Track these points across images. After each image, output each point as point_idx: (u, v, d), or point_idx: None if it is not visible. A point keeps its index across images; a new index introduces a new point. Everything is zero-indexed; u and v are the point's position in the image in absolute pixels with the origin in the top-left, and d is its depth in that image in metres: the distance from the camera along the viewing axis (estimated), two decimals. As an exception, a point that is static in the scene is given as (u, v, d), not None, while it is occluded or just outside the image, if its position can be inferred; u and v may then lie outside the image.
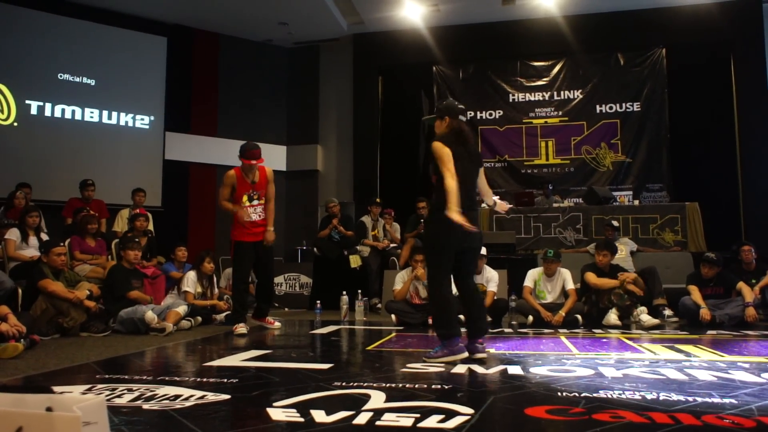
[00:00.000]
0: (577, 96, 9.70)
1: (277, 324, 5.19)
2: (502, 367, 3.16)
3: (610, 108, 9.57)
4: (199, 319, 5.54)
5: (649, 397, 2.38)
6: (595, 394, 2.44)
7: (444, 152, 3.37)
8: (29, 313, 4.53)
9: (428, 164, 9.88)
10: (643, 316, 5.38)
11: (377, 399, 2.36)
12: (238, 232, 5.04)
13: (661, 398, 2.36)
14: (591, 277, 5.69)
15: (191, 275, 5.82)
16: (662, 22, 9.18)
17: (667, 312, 5.73)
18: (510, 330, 5.19)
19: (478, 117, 9.87)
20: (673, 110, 9.30)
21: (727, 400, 2.32)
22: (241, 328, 4.87)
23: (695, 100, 9.05)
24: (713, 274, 5.62)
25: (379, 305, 6.86)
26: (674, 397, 2.38)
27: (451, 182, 3.26)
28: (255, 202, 5.04)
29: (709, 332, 4.93)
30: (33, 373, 3.08)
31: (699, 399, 2.34)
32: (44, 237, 5.88)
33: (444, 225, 3.27)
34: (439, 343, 3.43)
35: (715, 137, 9.16)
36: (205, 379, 2.83)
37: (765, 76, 8.86)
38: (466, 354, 3.37)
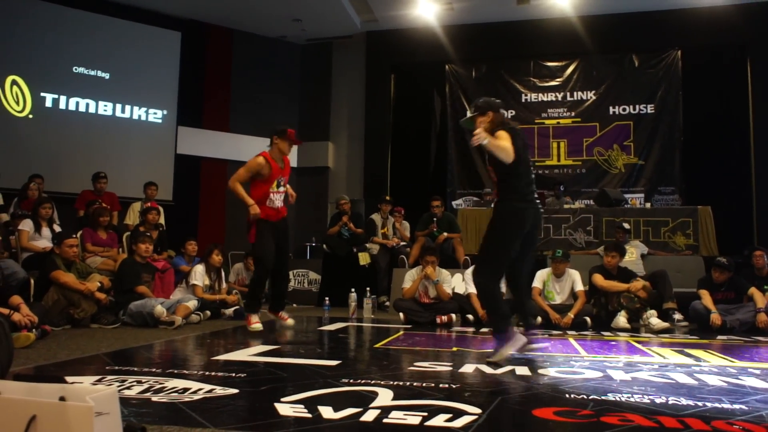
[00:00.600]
0: (591, 97, 9.63)
1: (291, 321, 5.17)
2: (510, 367, 3.16)
3: (624, 110, 9.49)
4: (208, 313, 5.56)
5: (658, 401, 2.37)
6: (603, 397, 2.43)
7: (508, 140, 3.30)
8: (41, 303, 4.58)
9: (446, 163, 9.89)
10: (653, 319, 5.35)
11: (385, 396, 2.36)
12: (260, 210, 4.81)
13: (670, 402, 2.35)
14: (598, 278, 5.66)
15: (199, 268, 5.84)
16: (678, 24, 9.09)
17: (677, 316, 5.68)
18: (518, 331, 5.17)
19: (490, 116, 9.80)
20: (687, 113, 9.21)
21: (737, 406, 2.30)
22: (256, 324, 4.72)
23: (710, 103, 8.96)
24: (724, 279, 5.58)
25: (388, 303, 6.86)
26: (683, 401, 2.37)
27: (511, 152, 3.22)
28: (281, 189, 4.96)
29: (719, 337, 4.89)
30: (44, 362, 3.12)
31: (709, 404, 2.33)
32: (57, 228, 5.93)
33: (514, 214, 3.38)
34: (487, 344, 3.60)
35: (729, 141, 9.06)
36: (213, 373, 2.85)
37: (781, 80, 8.78)
38: (525, 339, 3.43)
